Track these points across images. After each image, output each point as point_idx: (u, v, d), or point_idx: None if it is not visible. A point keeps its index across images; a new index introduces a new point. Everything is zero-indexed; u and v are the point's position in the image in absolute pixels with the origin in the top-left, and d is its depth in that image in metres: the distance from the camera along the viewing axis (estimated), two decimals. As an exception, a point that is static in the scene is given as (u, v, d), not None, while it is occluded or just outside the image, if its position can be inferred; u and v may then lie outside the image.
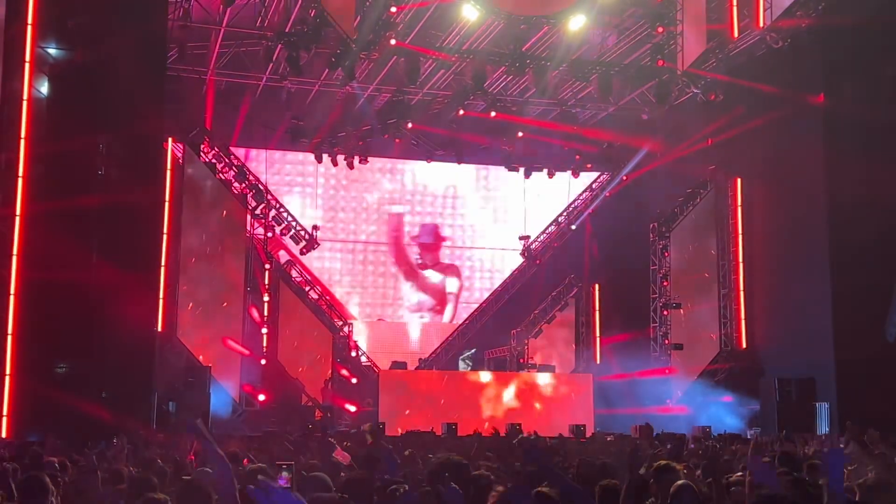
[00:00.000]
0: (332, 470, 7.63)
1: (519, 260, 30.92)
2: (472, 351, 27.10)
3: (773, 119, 22.97)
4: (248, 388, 24.60)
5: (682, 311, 27.23)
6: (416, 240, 30.80)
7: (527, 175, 30.33)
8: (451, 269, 30.98)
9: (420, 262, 30.79)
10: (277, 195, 27.70)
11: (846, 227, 21.30)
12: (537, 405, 25.09)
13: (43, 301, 16.44)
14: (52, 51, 17.83)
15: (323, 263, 29.37)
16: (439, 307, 30.83)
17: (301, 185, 29.67)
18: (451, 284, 30.90)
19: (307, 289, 27.61)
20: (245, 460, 8.55)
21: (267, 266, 26.23)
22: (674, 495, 5.51)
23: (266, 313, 25.91)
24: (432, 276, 30.83)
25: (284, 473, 5.04)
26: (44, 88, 17.64)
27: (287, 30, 22.79)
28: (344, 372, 26.71)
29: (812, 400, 21.98)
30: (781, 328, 24.27)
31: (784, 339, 23.99)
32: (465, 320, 30.54)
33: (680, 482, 5.69)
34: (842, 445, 12.22)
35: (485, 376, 26.20)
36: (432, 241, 30.88)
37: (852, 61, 21.39)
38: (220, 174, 25.68)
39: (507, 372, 27.03)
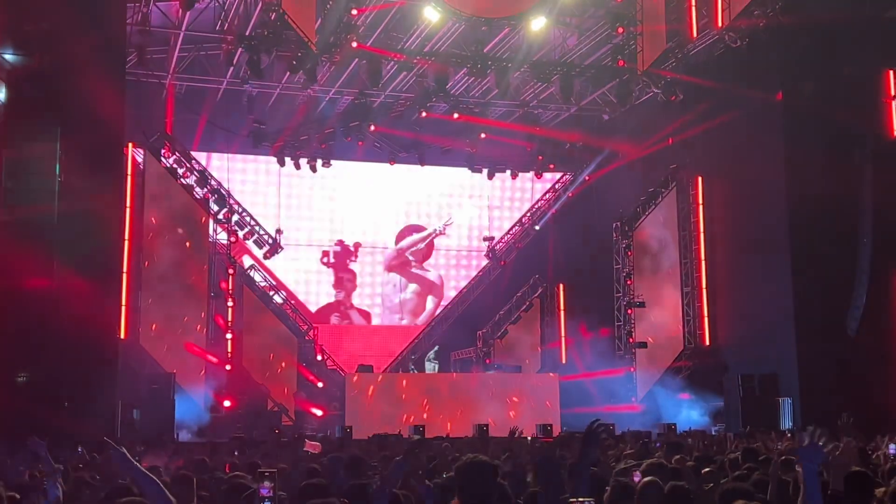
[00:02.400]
0: (302, 472, 7.65)
1: (483, 261, 30.98)
2: (436, 349, 27.03)
3: (732, 118, 23.18)
4: (218, 397, 24.35)
5: (645, 309, 27.41)
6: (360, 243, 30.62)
7: (490, 176, 30.35)
8: (405, 272, 30.90)
9: (381, 264, 30.65)
10: (240, 200, 27.45)
11: (806, 224, 21.55)
12: (504, 406, 25.06)
13: (3, 309, 16.21)
14: (9, 56, 17.60)
15: (285, 266, 29.13)
16: (400, 309, 30.75)
17: (264, 189, 29.35)
18: (409, 288, 30.85)
19: (272, 293, 27.46)
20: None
21: (230, 271, 26.02)
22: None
23: (230, 319, 25.71)
24: (392, 278, 30.74)
25: (266, 483, 4.80)
26: (1, 94, 17.42)
27: (247, 33, 22.64)
28: (310, 376, 26.60)
29: (775, 395, 22.21)
30: (744, 325, 24.50)
31: (747, 336, 24.21)
32: (430, 321, 30.51)
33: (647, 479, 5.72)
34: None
35: (451, 378, 26.15)
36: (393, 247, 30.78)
37: (810, 60, 21.65)
38: (182, 179, 25.46)
39: (474, 373, 27.03)
